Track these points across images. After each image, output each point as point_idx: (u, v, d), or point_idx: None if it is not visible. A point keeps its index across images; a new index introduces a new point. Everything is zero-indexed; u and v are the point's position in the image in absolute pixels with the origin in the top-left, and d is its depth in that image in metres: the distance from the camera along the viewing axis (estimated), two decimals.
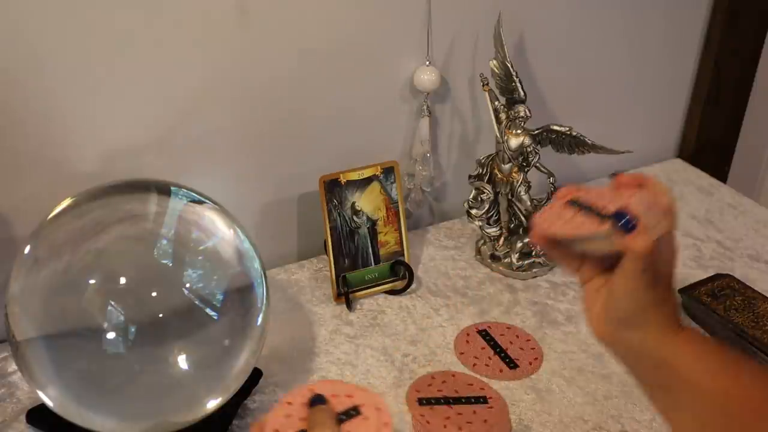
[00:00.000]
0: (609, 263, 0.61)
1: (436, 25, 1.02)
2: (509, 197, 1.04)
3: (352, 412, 0.61)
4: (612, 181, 0.61)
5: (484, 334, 0.94)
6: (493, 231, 1.06)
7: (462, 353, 0.91)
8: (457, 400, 0.83)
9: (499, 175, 1.03)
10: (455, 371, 0.88)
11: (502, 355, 0.91)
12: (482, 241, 1.08)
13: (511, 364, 0.90)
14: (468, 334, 0.94)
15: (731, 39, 1.26)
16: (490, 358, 0.90)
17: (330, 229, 0.98)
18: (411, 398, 0.84)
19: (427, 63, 1.03)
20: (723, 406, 0.58)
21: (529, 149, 1.01)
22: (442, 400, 0.83)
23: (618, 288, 0.59)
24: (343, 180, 0.98)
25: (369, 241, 1.00)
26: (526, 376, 0.88)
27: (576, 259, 0.64)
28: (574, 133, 1.01)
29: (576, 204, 0.61)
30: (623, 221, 0.57)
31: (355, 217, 0.99)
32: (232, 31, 0.92)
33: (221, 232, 0.77)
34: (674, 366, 0.59)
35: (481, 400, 0.83)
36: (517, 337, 0.94)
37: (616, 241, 0.57)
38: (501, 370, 0.89)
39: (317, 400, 0.60)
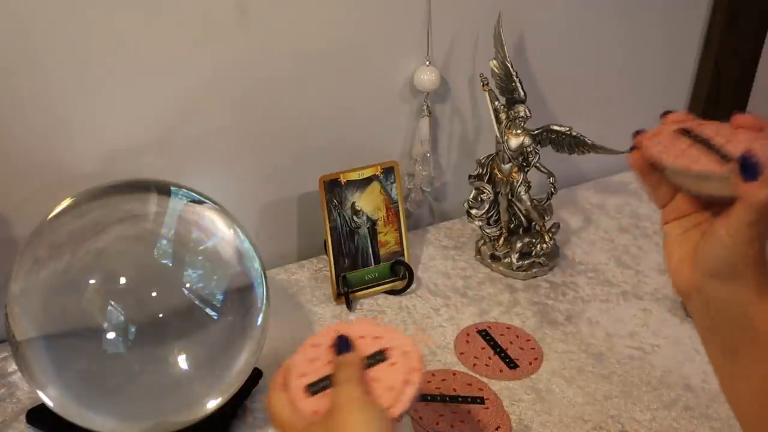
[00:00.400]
0: (703, 205, 0.57)
1: (436, 25, 1.02)
2: (509, 197, 1.04)
3: (379, 357, 0.57)
4: (732, 120, 0.56)
5: (484, 334, 0.94)
6: (493, 231, 1.06)
7: (462, 353, 0.91)
8: (454, 399, 0.83)
9: (499, 175, 1.03)
10: (456, 370, 0.88)
11: (502, 355, 0.91)
12: (482, 241, 1.08)
13: (511, 364, 0.90)
14: (468, 334, 0.94)
15: (731, 39, 1.26)
16: (490, 358, 0.90)
17: (330, 229, 0.98)
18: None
19: (427, 63, 1.03)
20: None
21: (529, 149, 1.01)
22: (438, 398, 0.83)
23: (720, 235, 0.54)
24: (343, 180, 0.98)
25: (369, 241, 1.00)
26: (526, 376, 0.88)
27: (669, 193, 0.59)
28: (574, 133, 1.01)
29: (690, 135, 0.55)
30: (749, 166, 0.50)
31: (355, 217, 0.99)
32: (232, 31, 0.92)
33: (221, 232, 0.77)
34: (758, 328, 0.55)
35: (478, 400, 0.83)
36: (517, 337, 0.94)
37: (734, 186, 0.51)
38: (501, 370, 0.89)
39: (343, 347, 0.57)
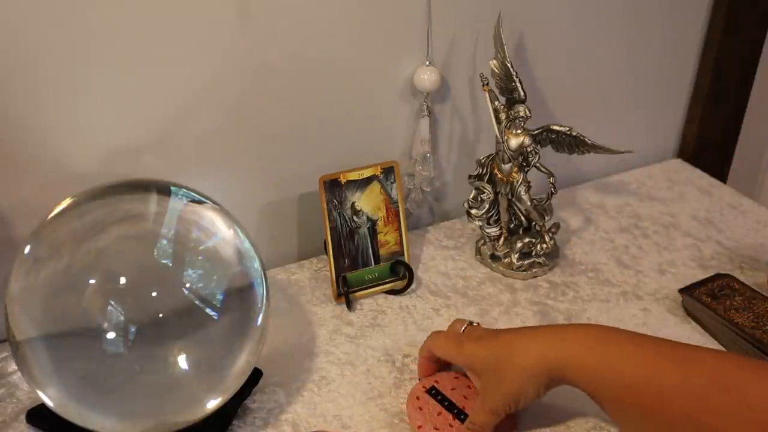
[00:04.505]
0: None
1: (436, 25, 1.02)
2: (509, 197, 1.04)
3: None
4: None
5: None
6: (493, 231, 1.06)
7: None
8: (460, 414, 0.81)
9: (499, 175, 1.03)
10: (457, 371, 0.87)
11: None
12: (482, 241, 1.08)
13: None
14: None
15: (731, 39, 1.26)
16: None
17: (330, 229, 0.98)
18: (425, 383, 0.83)
19: (427, 63, 1.03)
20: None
21: (529, 149, 1.01)
22: (447, 403, 0.82)
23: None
24: (343, 180, 0.98)
25: (369, 241, 1.00)
26: None
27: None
28: (574, 133, 1.01)
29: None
30: None
31: (355, 217, 0.99)
32: (232, 30, 0.92)
33: (221, 232, 0.77)
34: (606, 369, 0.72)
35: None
36: None
37: None
38: None
39: None
